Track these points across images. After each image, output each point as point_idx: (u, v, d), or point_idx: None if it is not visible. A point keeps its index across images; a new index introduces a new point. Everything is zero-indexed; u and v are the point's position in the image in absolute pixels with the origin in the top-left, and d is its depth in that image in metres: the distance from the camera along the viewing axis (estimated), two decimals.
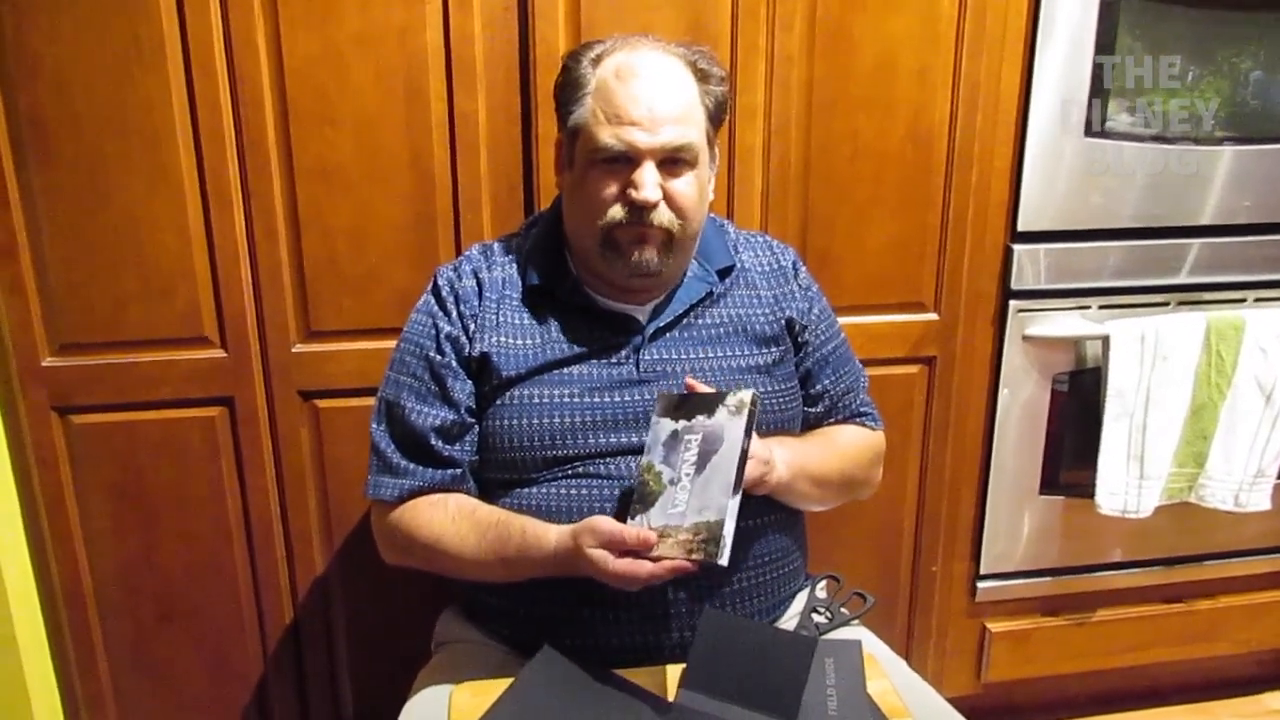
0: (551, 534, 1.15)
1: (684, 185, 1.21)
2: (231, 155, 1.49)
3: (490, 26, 1.51)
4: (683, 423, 1.14)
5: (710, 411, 1.12)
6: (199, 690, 1.73)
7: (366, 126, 1.51)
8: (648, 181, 1.18)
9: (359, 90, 1.49)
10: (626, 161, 1.19)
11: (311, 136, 1.50)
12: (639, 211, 1.19)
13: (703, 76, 1.23)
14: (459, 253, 1.54)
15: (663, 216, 1.20)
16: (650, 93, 1.18)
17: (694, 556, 1.06)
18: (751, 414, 1.09)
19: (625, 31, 1.29)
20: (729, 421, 1.10)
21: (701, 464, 1.10)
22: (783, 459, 1.21)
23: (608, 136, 1.18)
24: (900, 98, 1.64)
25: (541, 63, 1.51)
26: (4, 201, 1.45)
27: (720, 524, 1.06)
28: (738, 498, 1.07)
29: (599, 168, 1.20)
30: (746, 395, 1.10)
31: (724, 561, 1.05)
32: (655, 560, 1.07)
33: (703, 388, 1.16)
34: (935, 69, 1.64)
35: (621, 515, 1.14)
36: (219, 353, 1.57)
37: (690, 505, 1.08)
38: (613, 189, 1.20)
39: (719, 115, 1.26)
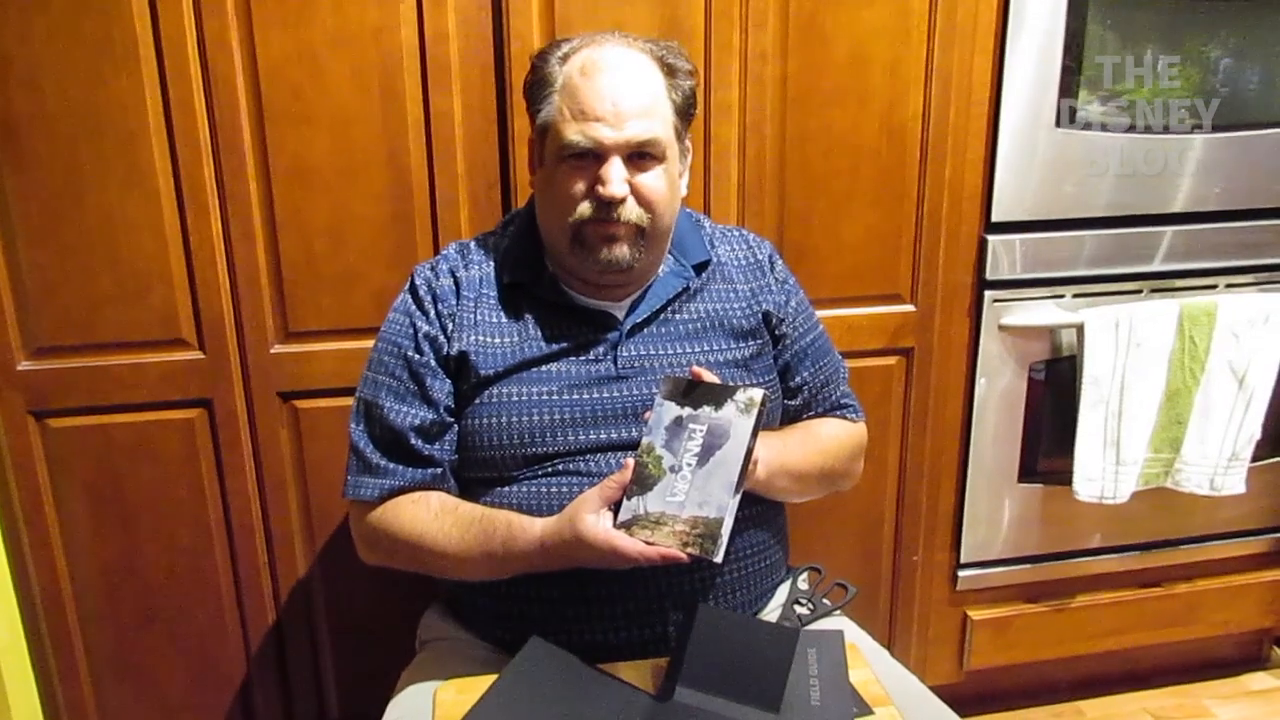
0: (538, 524, 1.16)
1: (652, 179, 1.21)
2: (207, 155, 1.49)
3: (465, 25, 1.51)
4: (688, 410, 1.12)
5: (718, 404, 1.11)
6: (181, 694, 1.72)
7: (342, 126, 1.51)
8: (614, 177, 1.18)
9: (334, 90, 1.49)
10: (594, 158, 1.20)
11: (287, 136, 1.50)
12: (607, 207, 1.19)
13: (670, 70, 1.24)
14: (437, 251, 1.54)
15: (631, 212, 1.21)
16: (614, 88, 1.19)
17: (689, 550, 1.06)
18: (760, 414, 1.09)
19: (599, 29, 1.29)
20: (737, 418, 1.09)
21: (705, 457, 1.09)
22: (761, 458, 1.20)
23: (573, 133, 1.19)
24: (874, 92, 1.65)
25: (517, 60, 1.51)
26: None
27: (719, 522, 1.06)
28: (738, 497, 1.08)
29: (567, 164, 1.21)
30: (757, 394, 1.10)
31: (719, 559, 1.05)
32: (648, 544, 1.07)
33: (710, 377, 1.16)
34: (907, 62, 1.65)
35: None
36: (197, 354, 1.57)
37: (690, 497, 1.08)
38: (580, 185, 1.20)
39: (687, 109, 1.26)
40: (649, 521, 1.09)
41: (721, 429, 1.10)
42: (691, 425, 1.11)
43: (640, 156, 1.20)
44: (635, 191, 1.20)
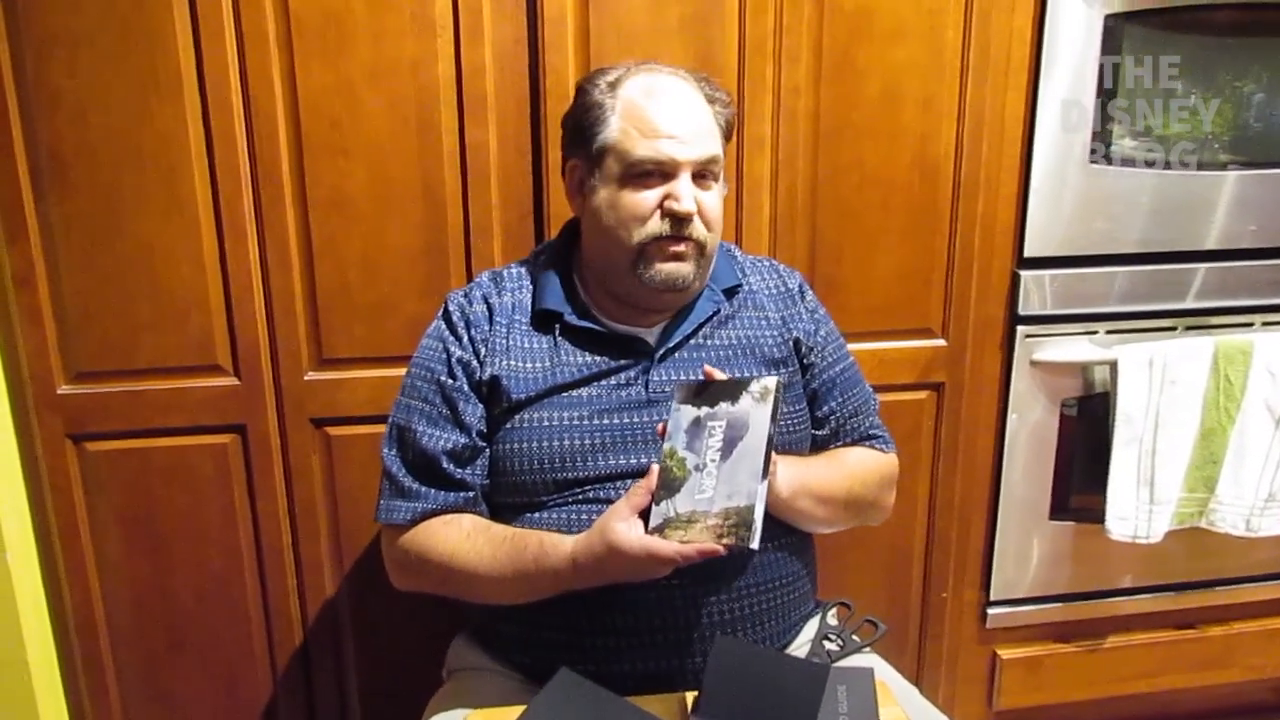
0: (569, 540, 1.16)
1: (712, 199, 1.25)
2: (246, 186, 1.51)
3: (501, 59, 1.53)
4: (705, 409, 1.14)
5: (734, 398, 1.12)
6: (209, 718, 1.73)
7: (379, 157, 1.53)
8: (685, 193, 1.21)
9: (371, 122, 1.51)
10: (660, 175, 1.22)
11: (324, 167, 1.52)
12: (679, 224, 1.22)
13: (709, 99, 1.28)
14: (470, 281, 1.55)
15: (698, 229, 1.23)
16: (680, 108, 1.23)
17: (724, 541, 1.06)
18: (777, 400, 1.10)
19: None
20: (754, 408, 1.11)
21: (728, 450, 1.10)
22: (783, 477, 1.21)
23: (646, 150, 1.21)
24: (906, 127, 1.66)
25: (551, 93, 1.53)
26: (22, 231, 1.48)
27: (751, 509, 1.06)
28: (766, 482, 1.08)
29: (634, 183, 1.23)
30: (771, 382, 1.11)
31: (755, 545, 1.05)
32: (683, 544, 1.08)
33: (720, 375, 1.17)
34: (940, 98, 1.65)
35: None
36: (232, 380, 1.59)
37: (718, 491, 1.09)
38: (650, 203, 1.22)
39: (728, 134, 1.31)
40: (681, 522, 1.09)
41: (740, 420, 1.11)
42: (710, 423, 1.13)
43: (702, 175, 1.24)
44: (699, 210, 1.23)
